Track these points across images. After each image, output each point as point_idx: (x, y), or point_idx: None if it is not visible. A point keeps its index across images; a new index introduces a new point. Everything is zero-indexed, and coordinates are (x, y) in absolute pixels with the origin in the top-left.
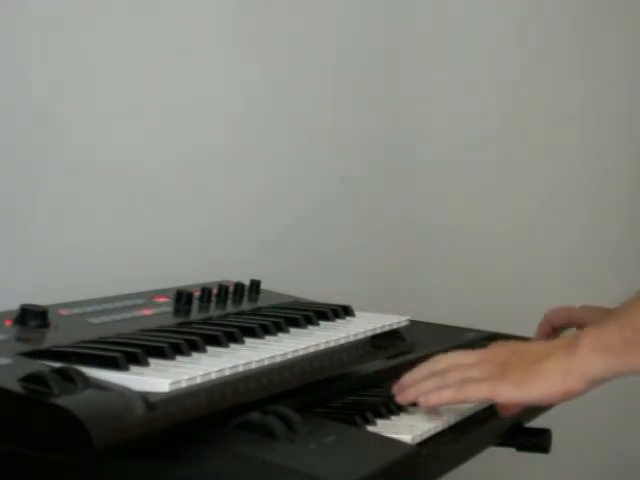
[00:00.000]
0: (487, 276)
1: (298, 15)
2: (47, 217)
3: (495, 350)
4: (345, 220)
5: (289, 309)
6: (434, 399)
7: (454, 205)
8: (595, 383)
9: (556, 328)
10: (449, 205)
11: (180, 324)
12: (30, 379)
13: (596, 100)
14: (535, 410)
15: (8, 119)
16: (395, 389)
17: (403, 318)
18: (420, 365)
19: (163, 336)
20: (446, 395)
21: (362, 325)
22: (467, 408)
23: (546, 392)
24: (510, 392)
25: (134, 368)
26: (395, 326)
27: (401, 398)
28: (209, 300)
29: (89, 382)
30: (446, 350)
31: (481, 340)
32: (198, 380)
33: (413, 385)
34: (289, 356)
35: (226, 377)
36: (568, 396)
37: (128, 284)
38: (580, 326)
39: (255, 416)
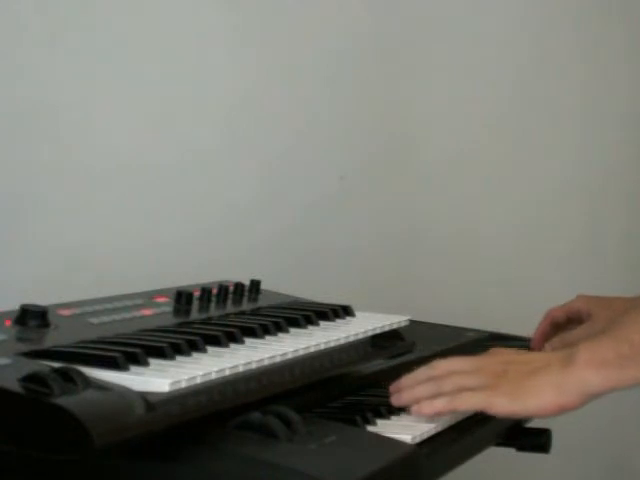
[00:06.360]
0: (487, 276)
1: (297, 13)
2: (47, 217)
3: (492, 358)
4: (345, 220)
5: (289, 309)
6: (427, 409)
7: (454, 205)
8: (591, 397)
9: (558, 326)
10: (449, 205)
11: (180, 324)
12: (30, 379)
13: (597, 100)
14: None
15: (8, 119)
16: (392, 389)
17: (403, 318)
18: (418, 370)
19: (163, 336)
20: (439, 405)
21: (362, 325)
22: None
23: (541, 406)
24: (505, 404)
25: (134, 368)
26: (395, 326)
27: (395, 400)
28: (209, 300)
29: (89, 382)
30: (446, 351)
31: (481, 340)
32: (198, 380)
33: (409, 388)
34: (289, 356)
35: (226, 377)
36: (563, 410)
37: (128, 284)
38: (579, 318)
39: (255, 416)
